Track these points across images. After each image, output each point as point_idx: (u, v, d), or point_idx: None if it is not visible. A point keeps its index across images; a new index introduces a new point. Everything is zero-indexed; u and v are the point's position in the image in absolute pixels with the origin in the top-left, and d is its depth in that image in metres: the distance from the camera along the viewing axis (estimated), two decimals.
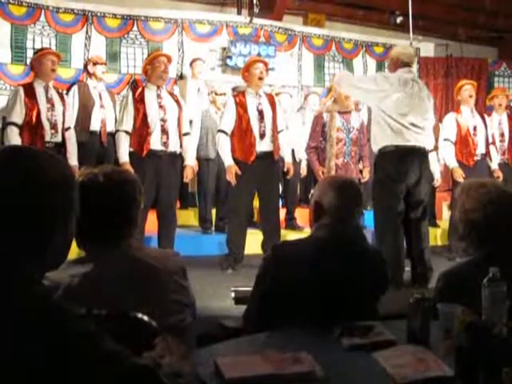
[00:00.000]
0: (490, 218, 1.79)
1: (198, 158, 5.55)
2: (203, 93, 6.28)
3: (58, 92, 4.75)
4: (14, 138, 4.31)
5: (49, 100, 4.50)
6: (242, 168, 4.59)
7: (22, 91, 4.42)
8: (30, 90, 4.45)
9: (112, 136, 5.37)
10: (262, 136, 4.66)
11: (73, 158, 4.60)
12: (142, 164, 4.29)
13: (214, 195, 5.92)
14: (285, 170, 4.89)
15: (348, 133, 5.22)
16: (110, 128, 5.49)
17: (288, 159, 4.93)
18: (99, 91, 5.60)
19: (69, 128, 4.69)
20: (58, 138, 4.53)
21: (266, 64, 4.84)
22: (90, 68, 5.68)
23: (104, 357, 0.94)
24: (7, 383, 0.87)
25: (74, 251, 1.42)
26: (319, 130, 5.27)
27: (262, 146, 4.66)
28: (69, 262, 1.37)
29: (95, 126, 5.49)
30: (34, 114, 4.39)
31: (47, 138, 4.43)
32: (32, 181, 0.99)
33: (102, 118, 5.52)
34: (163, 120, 4.38)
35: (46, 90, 4.53)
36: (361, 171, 5.47)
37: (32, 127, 4.38)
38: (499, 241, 1.79)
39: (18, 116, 4.36)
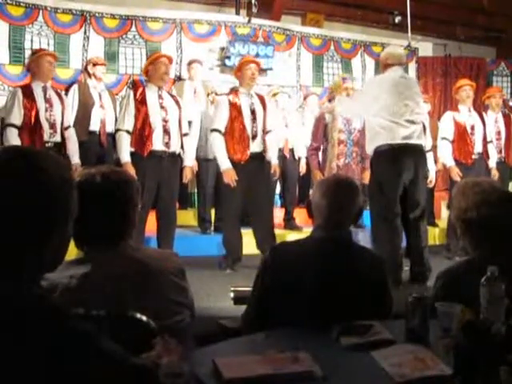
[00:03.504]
0: (484, 217, 1.78)
1: (198, 159, 5.54)
2: (200, 94, 6.27)
3: (56, 92, 4.76)
4: (14, 139, 4.33)
5: (47, 100, 4.51)
6: (234, 168, 4.56)
7: (20, 92, 4.43)
8: (28, 92, 4.46)
9: (111, 136, 5.38)
10: (254, 136, 4.65)
11: (75, 157, 4.65)
12: (142, 164, 4.29)
13: (213, 196, 5.92)
14: (272, 171, 4.82)
15: (349, 134, 5.21)
16: (110, 128, 5.49)
17: (275, 160, 4.88)
18: (99, 91, 5.60)
19: (68, 127, 4.71)
20: (58, 138, 4.55)
21: (258, 64, 4.85)
22: (90, 69, 5.68)
23: (102, 357, 0.94)
24: (5, 383, 0.87)
25: (73, 252, 1.42)
26: (321, 131, 5.25)
27: (254, 146, 4.65)
28: (67, 262, 1.37)
29: (95, 126, 5.49)
30: (33, 114, 4.40)
31: (46, 138, 4.45)
32: (31, 181, 0.99)
33: (102, 118, 5.52)
34: (165, 120, 4.39)
35: (45, 90, 4.54)
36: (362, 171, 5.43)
37: (31, 128, 4.39)
38: (495, 239, 1.79)
39: (16, 117, 4.38)
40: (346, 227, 1.97)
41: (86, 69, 5.83)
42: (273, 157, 4.85)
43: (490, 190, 1.82)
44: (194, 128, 5.55)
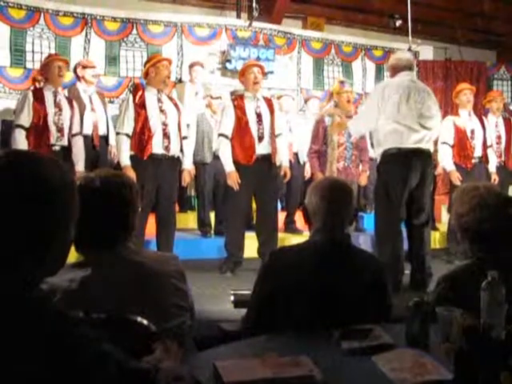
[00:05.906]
0: (480, 220, 1.78)
1: (195, 163, 5.54)
2: (200, 97, 6.28)
3: (66, 98, 4.84)
4: (21, 140, 4.43)
5: (57, 104, 4.60)
6: (240, 171, 4.58)
7: (30, 95, 4.55)
8: (39, 95, 4.57)
9: (104, 139, 5.40)
10: (260, 139, 4.66)
11: (80, 164, 4.69)
12: (142, 167, 4.29)
13: (212, 199, 5.92)
14: (282, 173, 4.86)
15: (349, 137, 5.21)
16: (102, 131, 5.49)
17: (286, 163, 4.91)
18: (89, 94, 5.54)
19: (76, 134, 4.79)
20: (64, 142, 4.62)
21: (261, 67, 4.85)
22: (79, 71, 5.59)
23: (102, 361, 0.94)
24: None
25: (73, 255, 1.41)
26: (321, 134, 5.25)
27: (260, 148, 4.67)
28: (67, 266, 1.37)
29: (87, 129, 5.46)
30: (41, 117, 4.50)
31: (53, 141, 4.52)
32: (33, 185, 0.99)
33: (94, 121, 5.49)
34: (164, 124, 4.39)
35: (55, 94, 4.63)
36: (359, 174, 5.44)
37: (38, 130, 4.48)
38: (494, 243, 1.79)
39: (25, 119, 4.47)
40: (344, 229, 1.96)
41: (75, 72, 5.74)
42: (283, 159, 4.87)
43: (486, 194, 1.82)
44: (191, 131, 5.55)
